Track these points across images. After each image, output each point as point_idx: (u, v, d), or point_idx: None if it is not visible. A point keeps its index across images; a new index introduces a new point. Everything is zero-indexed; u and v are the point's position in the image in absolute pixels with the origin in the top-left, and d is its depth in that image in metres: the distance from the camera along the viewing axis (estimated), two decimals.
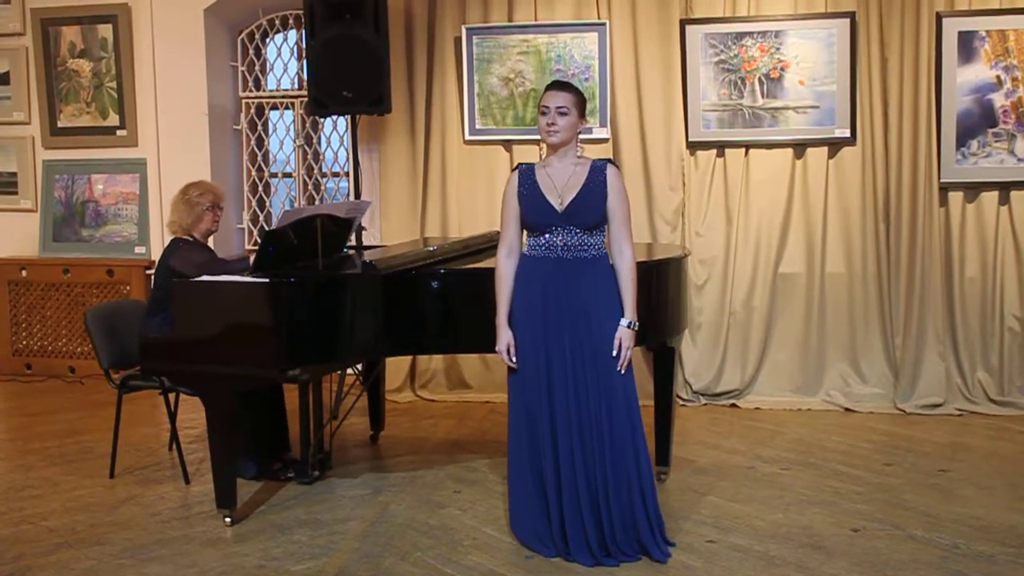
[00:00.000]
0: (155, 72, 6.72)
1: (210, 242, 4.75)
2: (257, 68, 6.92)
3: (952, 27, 5.54)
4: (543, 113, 3.60)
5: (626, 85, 5.89)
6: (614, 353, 3.56)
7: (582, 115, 3.64)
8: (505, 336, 3.67)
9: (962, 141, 5.61)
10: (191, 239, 4.58)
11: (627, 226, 3.63)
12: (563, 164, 3.64)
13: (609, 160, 3.70)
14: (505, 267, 3.69)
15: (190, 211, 4.58)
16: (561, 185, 3.61)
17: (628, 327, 3.58)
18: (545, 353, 3.60)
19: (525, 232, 3.72)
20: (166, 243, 4.64)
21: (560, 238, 3.61)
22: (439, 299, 4.15)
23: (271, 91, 6.97)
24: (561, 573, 3.52)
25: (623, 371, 3.57)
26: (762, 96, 5.78)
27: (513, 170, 3.76)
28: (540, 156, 3.74)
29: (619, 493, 3.56)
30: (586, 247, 3.61)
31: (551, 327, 3.59)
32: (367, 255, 4.74)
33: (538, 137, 3.70)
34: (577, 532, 3.56)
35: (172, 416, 4.71)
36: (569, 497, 3.56)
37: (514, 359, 3.66)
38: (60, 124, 6.99)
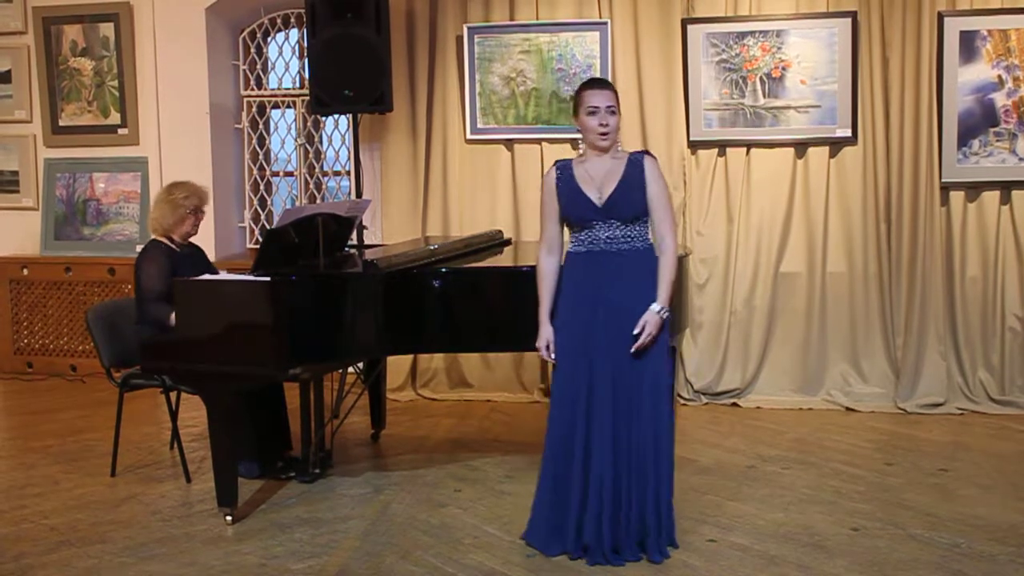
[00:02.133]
0: (157, 71, 6.73)
1: (211, 241, 4.75)
2: (258, 67, 6.93)
3: (953, 26, 5.53)
4: (591, 113, 3.55)
5: (627, 84, 5.88)
6: (635, 331, 3.50)
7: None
8: (545, 333, 3.64)
9: (963, 140, 5.61)
10: (166, 242, 4.57)
11: (669, 214, 3.60)
12: (601, 159, 3.62)
13: (646, 151, 3.70)
14: (546, 264, 3.67)
15: (172, 212, 4.57)
16: (600, 179, 3.59)
17: (657, 313, 3.52)
18: (586, 354, 3.54)
19: (567, 229, 3.70)
20: None
21: (602, 232, 3.58)
22: (440, 298, 4.15)
23: (272, 90, 6.98)
24: (561, 572, 3.52)
25: (638, 353, 3.49)
26: (763, 95, 5.77)
27: (552, 166, 3.74)
28: (566, 155, 3.67)
29: (641, 494, 3.52)
30: (628, 238, 3.58)
31: (596, 325, 3.54)
32: (368, 254, 4.74)
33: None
34: (594, 531, 3.51)
35: (173, 415, 4.72)
36: (594, 499, 3.51)
37: (553, 356, 3.63)
38: (62, 123, 6.99)
